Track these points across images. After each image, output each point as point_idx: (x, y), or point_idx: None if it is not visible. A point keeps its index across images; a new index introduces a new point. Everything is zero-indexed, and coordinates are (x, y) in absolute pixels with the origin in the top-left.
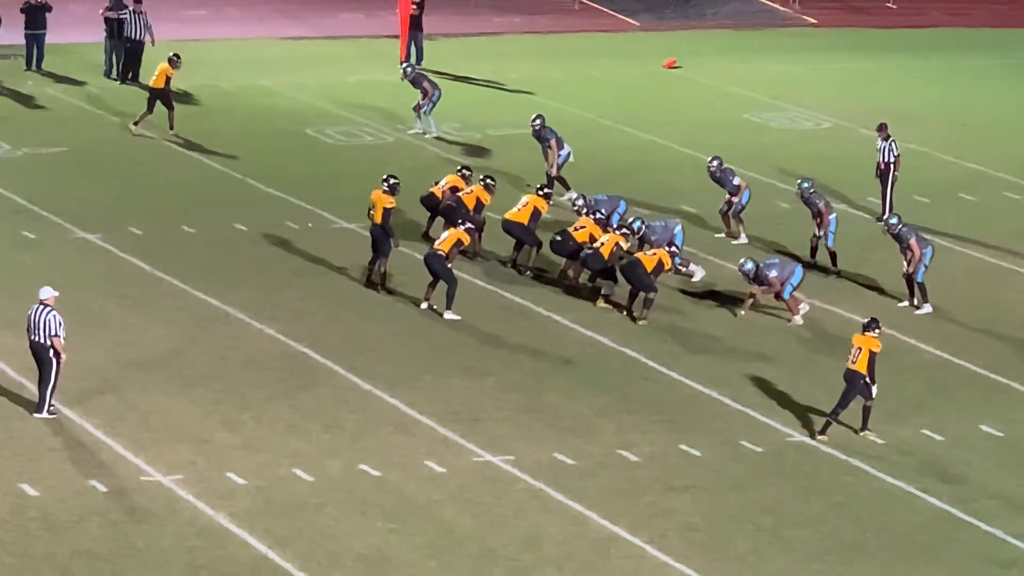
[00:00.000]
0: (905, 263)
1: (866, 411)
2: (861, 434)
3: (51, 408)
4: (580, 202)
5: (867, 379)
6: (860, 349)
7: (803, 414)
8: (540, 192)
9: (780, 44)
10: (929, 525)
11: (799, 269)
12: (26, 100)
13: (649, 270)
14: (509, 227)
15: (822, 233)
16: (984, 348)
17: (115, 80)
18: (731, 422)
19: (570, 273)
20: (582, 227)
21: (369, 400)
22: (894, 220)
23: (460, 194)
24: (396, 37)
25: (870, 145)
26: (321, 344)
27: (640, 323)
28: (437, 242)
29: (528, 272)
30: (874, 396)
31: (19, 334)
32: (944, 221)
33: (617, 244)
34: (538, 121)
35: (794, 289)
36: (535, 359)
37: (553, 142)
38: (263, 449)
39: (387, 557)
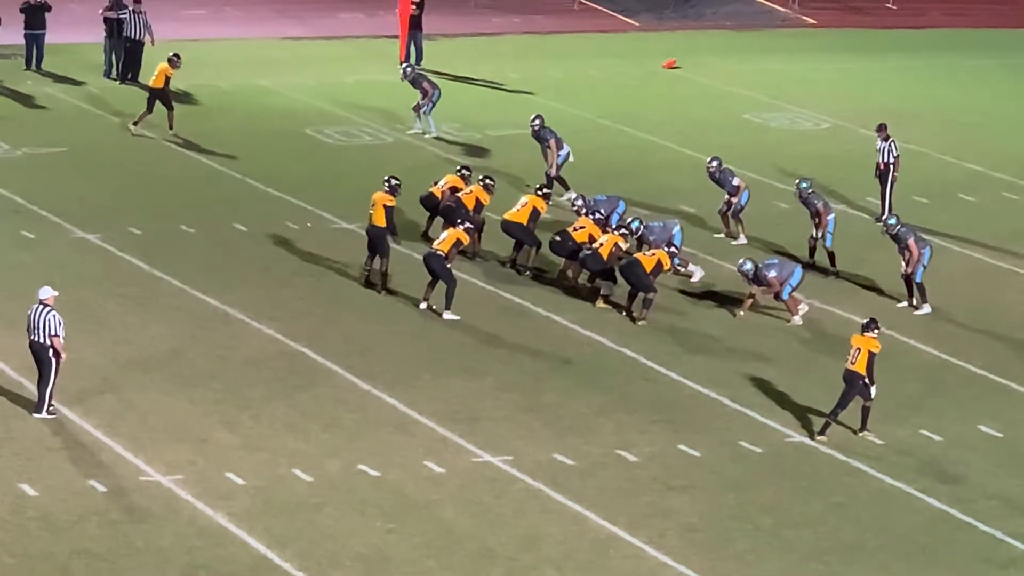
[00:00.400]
0: (904, 263)
1: (865, 412)
2: (860, 434)
3: (50, 408)
4: (579, 202)
5: (866, 380)
6: (859, 350)
7: (802, 414)
8: (539, 192)
9: (779, 44)
10: (928, 525)
11: (798, 270)
12: (26, 100)
13: (648, 270)
14: (508, 227)
15: (820, 234)
16: (983, 348)
17: (115, 80)
18: (730, 422)
19: (569, 273)
20: (581, 227)
21: (368, 400)
22: (892, 220)
23: (460, 194)
24: (396, 37)
25: (869, 145)
26: (320, 344)
27: (639, 323)
28: (436, 242)
29: (527, 272)
30: (873, 397)
31: (19, 334)
32: (943, 221)
33: (616, 245)
34: (537, 121)
35: (793, 290)
36: (534, 359)
37: (552, 142)
38: (262, 449)
39: (386, 557)
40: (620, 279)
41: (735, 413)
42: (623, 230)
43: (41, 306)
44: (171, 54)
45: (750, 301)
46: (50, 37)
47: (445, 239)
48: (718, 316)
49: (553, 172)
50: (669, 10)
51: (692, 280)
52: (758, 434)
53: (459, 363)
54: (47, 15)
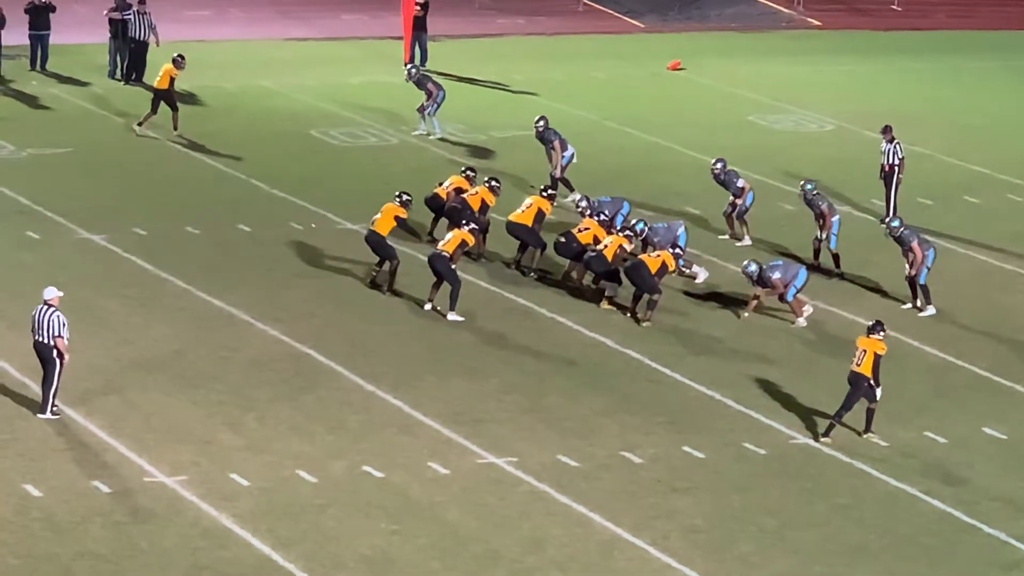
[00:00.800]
0: (907, 266)
1: (870, 413)
2: (864, 436)
3: (54, 408)
4: (584, 204)
5: (871, 382)
6: (864, 352)
7: (806, 416)
8: (544, 194)
9: (784, 46)
10: (932, 527)
11: (803, 271)
12: (30, 101)
13: (653, 272)
14: (513, 229)
15: (825, 235)
16: (988, 350)
17: (119, 81)
18: (734, 424)
19: (574, 275)
20: (586, 229)
21: (372, 401)
22: (896, 223)
23: (464, 195)
24: (400, 38)
25: (874, 147)
26: (324, 345)
27: (643, 325)
28: (441, 243)
29: (532, 274)
30: (878, 399)
31: (23, 334)
32: (948, 223)
33: (621, 246)
34: (542, 123)
35: (797, 291)
36: (538, 360)
37: (557, 144)
38: (266, 450)
39: (390, 558)
40: (625, 280)
41: (739, 415)
42: (627, 232)
43: (45, 307)
44: (175, 55)
45: (754, 303)
46: (55, 38)
47: (450, 240)
48: (722, 318)
49: (557, 173)
50: (674, 12)
51: (696, 281)
52: (762, 436)
53: (463, 364)
54: (52, 16)
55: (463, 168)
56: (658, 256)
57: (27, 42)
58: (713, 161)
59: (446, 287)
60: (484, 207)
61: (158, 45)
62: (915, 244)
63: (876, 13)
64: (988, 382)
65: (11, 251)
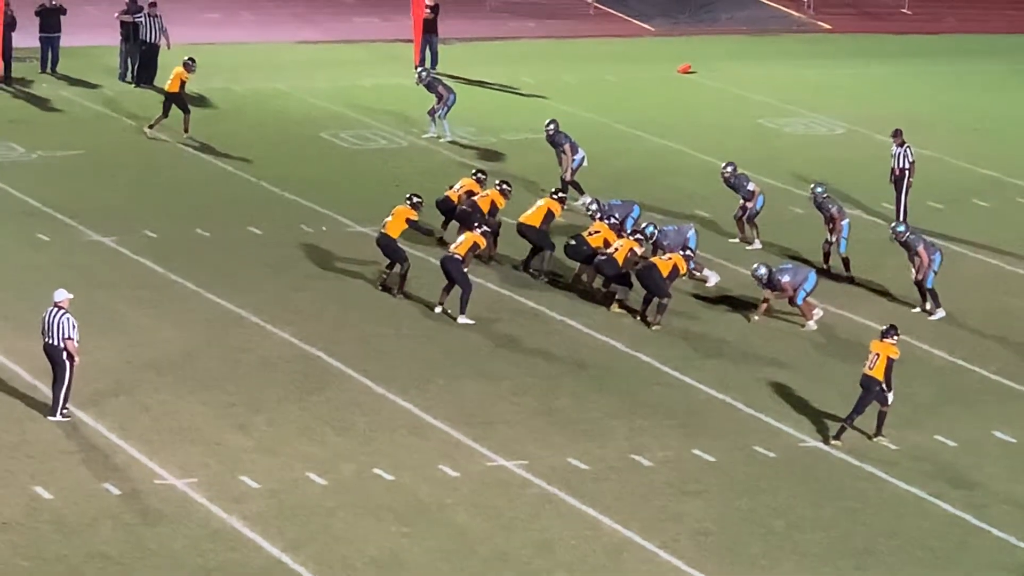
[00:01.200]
0: (914, 270)
1: (881, 417)
2: (874, 439)
3: (64, 410)
4: (594, 207)
5: (883, 385)
6: (878, 355)
7: (816, 419)
8: (554, 196)
9: (794, 49)
10: (941, 530)
11: (812, 275)
12: (41, 103)
13: (665, 275)
14: (523, 230)
15: (835, 239)
16: (997, 354)
17: (130, 83)
18: (744, 427)
19: (584, 277)
20: (596, 232)
21: (382, 403)
22: (901, 228)
23: (475, 198)
24: (410, 41)
25: (884, 151)
26: (334, 347)
27: (654, 328)
28: (453, 245)
29: (542, 277)
30: (890, 403)
31: (33, 336)
32: (958, 227)
33: (632, 250)
34: (552, 126)
35: (807, 295)
36: (548, 363)
37: (567, 146)
38: (276, 452)
39: (400, 560)
40: (635, 283)
41: (749, 418)
42: (638, 235)
43: (55, 309)
44: (186, 58)
45: (764, 306)
46: (65, 40)
47: (462, 243)
48: (732, 321)
49: (568, 176)
50: (684, 15)
51: (707, 285)
52: (772, 439)
53: (473, 367)
54: (62, 18)
55: (474, 171)
56: (669, 259)
57: (38, 44)
58: (723, 164)
59: (457, 290)
60: (494, 209)
61: (169, 48)
62: (921, 248)
63: (886, 17)
64: (998, 385)
65: (21, 253)
